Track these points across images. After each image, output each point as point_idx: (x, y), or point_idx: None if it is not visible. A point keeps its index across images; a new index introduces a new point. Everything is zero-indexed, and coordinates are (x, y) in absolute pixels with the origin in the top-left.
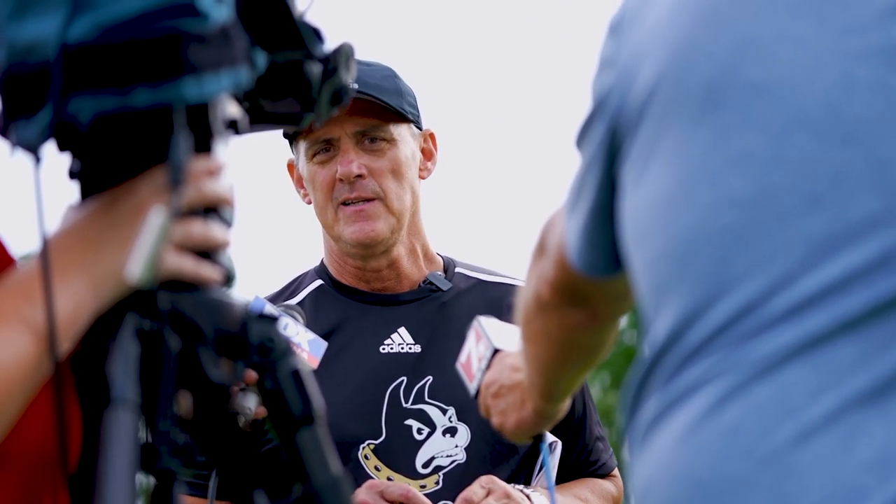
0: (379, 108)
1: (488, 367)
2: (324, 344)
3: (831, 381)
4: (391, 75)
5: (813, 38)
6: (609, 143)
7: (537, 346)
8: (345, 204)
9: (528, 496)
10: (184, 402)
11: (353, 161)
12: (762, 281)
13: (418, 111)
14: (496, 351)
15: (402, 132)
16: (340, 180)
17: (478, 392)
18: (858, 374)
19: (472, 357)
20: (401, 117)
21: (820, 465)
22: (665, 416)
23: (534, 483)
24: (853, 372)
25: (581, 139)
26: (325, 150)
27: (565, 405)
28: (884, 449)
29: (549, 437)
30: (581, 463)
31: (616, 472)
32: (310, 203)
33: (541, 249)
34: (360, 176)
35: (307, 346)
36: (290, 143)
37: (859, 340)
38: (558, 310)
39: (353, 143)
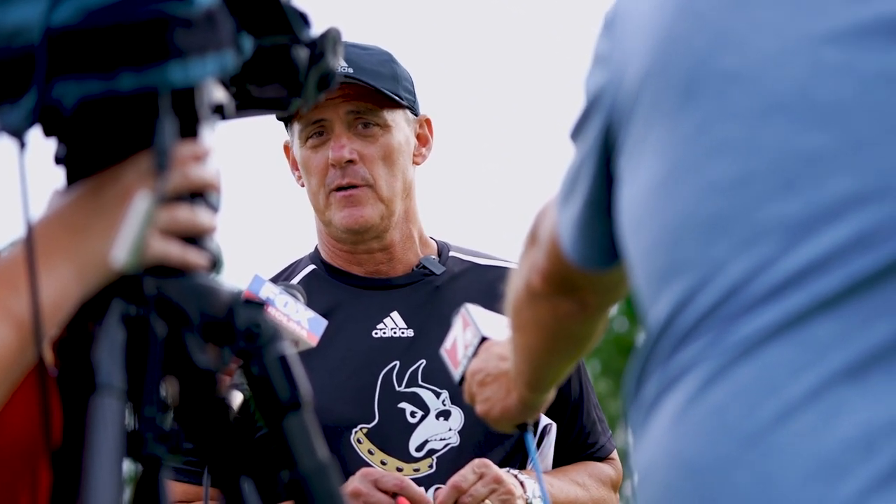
0: (373, 93)
1: (475, 354)
2: (324, 322)
3: (812, 358)
4: (388, 60)
5: (785, 26)
6: (604, 139)
7: (527, 335)
8: (336, 190)
9: (521, 482)
10: (170, 389)
11: (344, 146)
12: (744, 264)
13: (415, 96)
14: (483, 339)
15: (396, 118)
16: (333, 166)
17: (462, 379)
18: (839, 351)
19: (458, 344)
20: (395, 103)
21: (801, 443)
22: (660, 400)
23: (529, 467)
24: (834, 349)
25: (576, 133)
26: (317, 133)
27: (550, 396)
28: (865, 425)
29: (544, 420)
30: (579, 445)
31: (615, 454)
32: (304, 186)
33: (532, 239)
34: (351, 161)
35: (307, 324)
36: (286, 126)
37: (839, 318)
38: (549, 299)
39: (345, 128)
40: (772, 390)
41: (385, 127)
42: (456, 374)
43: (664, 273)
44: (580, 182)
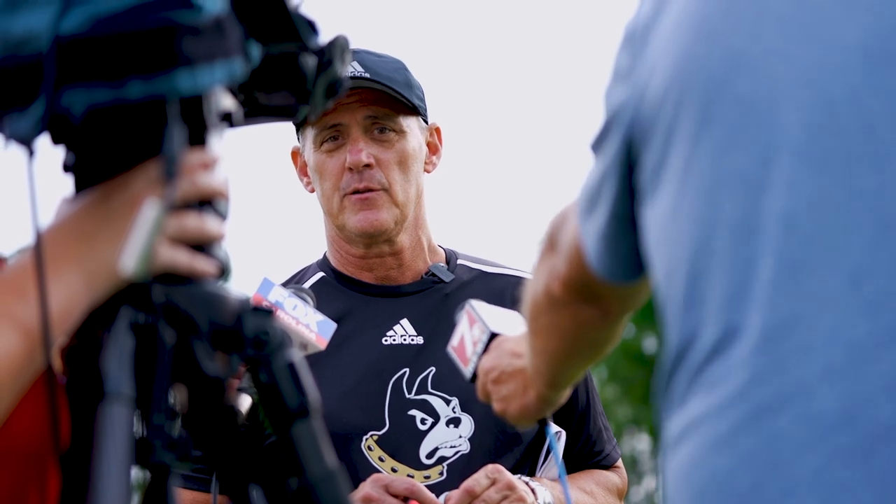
0: (390, 98)
1: (485, 350)
2: (333, 325)
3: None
4: (402, 67)
5: (799, 53)
6: (625, 155)
7: (546, 339)
8: (351, 193)
9: (532, 490)
10: (179, 396)
11: (362, 150)
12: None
13: (426, 105)
14: (493, 335)
15: (410, 124)
16: (350, 169)
17: (474, 376)
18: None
19: (465, 341)
20: (411, 109)
21: None
22: (681, 441)
23: (539, 473)
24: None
25: (597, 146)
26: (333, 137)
27: (568, 391)
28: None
29: (554, 428)
30: (585, 453)
31: (620, 462)
32: (313, 192)
33: (551, 245)
34: (367, 165)
35: (316, 328)
36: (297, 130)
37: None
38: (570, 306)
39: (361, 132)
40: (777, 464)
41: (401, 132)
42: (466, 371)
43: (678, 301)
44: (603, 195)
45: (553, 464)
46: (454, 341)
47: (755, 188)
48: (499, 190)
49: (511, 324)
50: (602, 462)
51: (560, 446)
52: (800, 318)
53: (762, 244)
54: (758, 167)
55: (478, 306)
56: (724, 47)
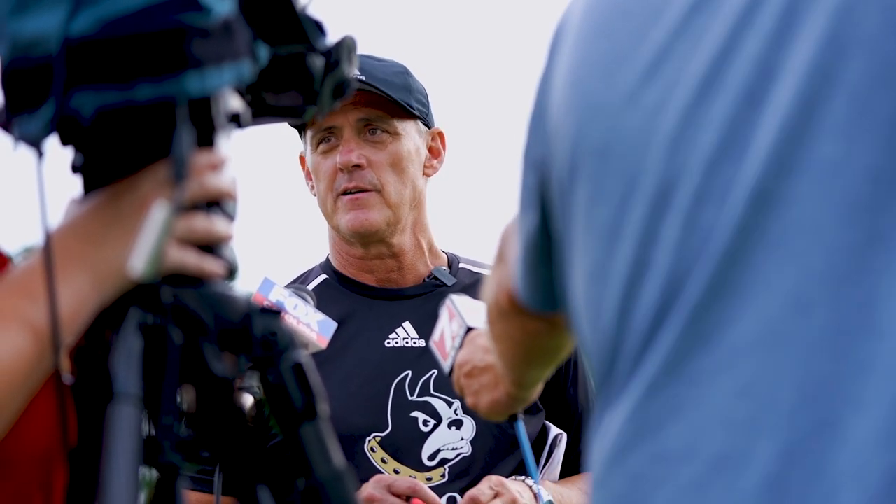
0: (383, 101)
1: (461, 345)
2: (333, 324)
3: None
4: (402, 72)
5: (644, 96)
6: (540, 192)
7: (503, 346)
8: (343, 193)
9: (535, 494)
10: (187, 397)
11: (352, 151)
12: (597, 357)
13: (428, 109)
14: (469, 329)
15: (406, 127)
16: (341, 170)
17: (452, 369)
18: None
19: (445, 335)
20: (405, 112)
21: None
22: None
23: (540, 475)
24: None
25: (521, 167)
26: (327, 139)
27: (538, 389)
28: None
29: (554, 430)
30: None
31: None
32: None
33: (500, 256)
34: (358, 166)
35: (316, 327)
36: (300, 134)
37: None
38: (518, 317)
39: (354, 133)
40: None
41: (395, 134)
42: (445, 365)
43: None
44: (523, 226)
45: (554, 466)
46: (435, 336)
47: (611, 238)
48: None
49: None
50: None
51: (561, 449)
52: None
53: (634, 291)
54: (616, 217)
55: (458, 301)
56: (584, 98)
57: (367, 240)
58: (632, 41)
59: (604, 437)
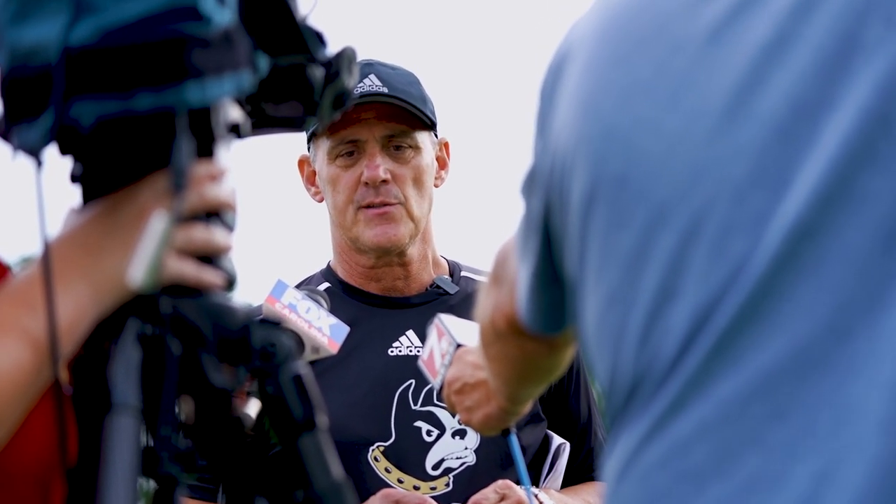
0: (407, 114)
1: (451, 362)
2: (346, 329)
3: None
4: (416, 81)
5: (666, 124)
6: (544, 217)
7: (498, 366)
8: (367, 207)
9: (540, 502)
10: (186, 408)
11: (379, 166)
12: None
13: (436, 119)
14: (458, 346)
15: (424, 140)
16: (366, 184)
17: (441, 387)
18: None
19: (434, 353)
20: (426, 125)
21: None
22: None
23: (543, 485)
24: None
25: (525, 192)
26: (349, 152)
27: (530, 404)
28: None
29: (557, 440)
30: (588, 465)
31: None
32: (321, 201)
33: (496, 278)
34: (384, 181)
35: (328, 331)
36: (309, 140)
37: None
38: (515, 338)
39: (379, 148)
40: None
41: (416, 149)
42: (435, 382)
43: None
44: (528, 248)
45: (557, 474)
46: (424, 355)
47: (636, 262)
48: (503, 202)
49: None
50: None
51: (564, 459)
52: None
53: (660, 316)
54: (639, 243)
55: (446, 320)
56: (599, 124)
57: (389, 252)
58: (651, 70)
59: (622, 453)
